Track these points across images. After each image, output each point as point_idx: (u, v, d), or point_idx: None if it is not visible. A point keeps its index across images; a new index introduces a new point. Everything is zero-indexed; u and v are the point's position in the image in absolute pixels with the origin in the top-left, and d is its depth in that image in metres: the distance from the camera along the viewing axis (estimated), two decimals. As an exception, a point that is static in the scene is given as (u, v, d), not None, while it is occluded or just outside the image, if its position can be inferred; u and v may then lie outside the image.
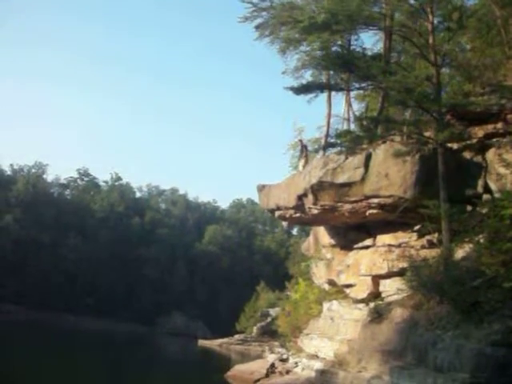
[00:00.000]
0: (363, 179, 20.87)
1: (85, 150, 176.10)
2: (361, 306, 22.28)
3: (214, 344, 63.63)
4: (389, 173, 20.18)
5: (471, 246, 17.37)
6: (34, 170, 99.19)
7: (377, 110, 24.62)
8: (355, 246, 24.14)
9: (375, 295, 22.15)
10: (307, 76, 27.65)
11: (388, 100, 23.18)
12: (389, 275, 21.29)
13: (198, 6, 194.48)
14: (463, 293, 15.03)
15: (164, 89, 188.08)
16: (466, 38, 23.77)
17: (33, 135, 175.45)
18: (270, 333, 52.85)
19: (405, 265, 18.98)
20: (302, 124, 65.26)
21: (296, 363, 26.23)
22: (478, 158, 20.21)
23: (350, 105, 28.58)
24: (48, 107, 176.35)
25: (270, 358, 31.09)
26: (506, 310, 14.05)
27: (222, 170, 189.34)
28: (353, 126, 27.06)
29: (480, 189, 19.62)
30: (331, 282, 26.42)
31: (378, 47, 26.01)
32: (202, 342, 66.15)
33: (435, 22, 20.26)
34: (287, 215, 26.50)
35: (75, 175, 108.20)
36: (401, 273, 19.58)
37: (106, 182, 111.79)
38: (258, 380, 26.05)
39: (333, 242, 26.58)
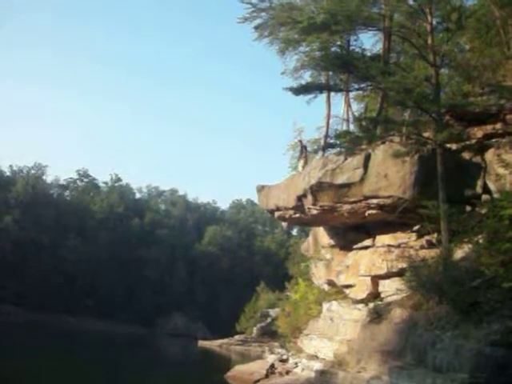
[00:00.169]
0: (362, 180, 20.88)
1: (84, 151, 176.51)
2: (360, 306, 22.28)
3: (214, 345, 63.65)
4: (388, 173, 20.20)
5: (470, 246, 17.38)
6: (33, 171, 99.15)
7: (376, 110, 24.64)
8: (354, 247, 24.14)
9: (374, 295, 22.16)
10: (306, 77, 27.74)
11: (387, 100, 23.21)
12: (388, 275, 21.30)
13: (197, 6, 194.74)
14: (462, 293, 15.04)
15: (164, 89, 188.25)
16: (465, 38, 23.81)
17: (32, 136, 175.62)
18: (270, 333, 52.89)
19: (404, 265, 18.98)
20: (302, 125, 65.15)
21: (296, 364, 26.23)
22: (477, 159, 20.23)
23: (349, 105, 28.60)
24: (47, 108, 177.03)
25: (270, 358, 31.10)
26: (505, 310, 14.05)
27: (222, 171, 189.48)
28: (352, 127, 27.10)
29: (479, 189, 19.63)
30: (331, 283, 26.43)
31: (378, 48, 26.03)
32: (202, 343, 66.17)
33: (434, 22, 20.29)
34: (287, 216, 26.52)
35: (75, 176, 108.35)
36: (400, 273, 19.58)
37: (105, 183, 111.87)
38: (258, 380, 26.06)
39: (332, 242, 26.60)
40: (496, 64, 21.36)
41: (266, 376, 26.48)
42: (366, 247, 23.31)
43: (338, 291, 25.96)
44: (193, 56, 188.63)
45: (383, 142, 21.31)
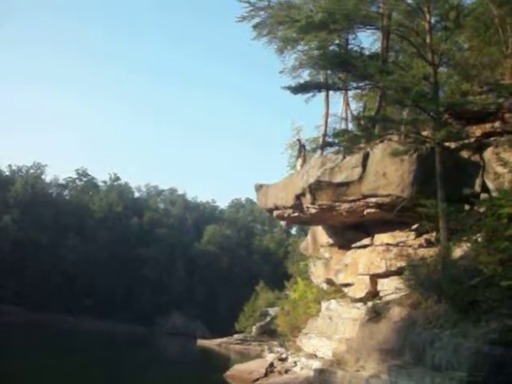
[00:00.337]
0: (361, 178, 20.89)
1: (83, 151, 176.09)
2: (359, 305, 22.31)
3: (213, 344, 63.66)
4: (386, 172, 20.20)
5: (469, 244, 17.39)
6: (32, 171, 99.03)
7: (374, 109, 24.64)
8: (353, 246, 24.17)
9: (373, 294, 22.17)
10: (305, 75, 27.74)
11: (385, 99, 23.22)
12: (387, 274, 21.32)
13: (196, 6, 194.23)
14: (461, 292, 15.04)
15: (163, 89, 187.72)
16: (464, 37, 23.80)
17: (31, 136, 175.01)
18: (269, 332, 52.87)
19: (403, 264, 19.00)
20: (300, 123, 65.23)
21: (295, 362, 26.24)
22: (476, 157, 20.20)
23: (347, 104, 28.59)
24: (47, 108, 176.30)
25: (269, 357, 31.09)
26: (503, 308, 14.05)
27: (221, 170, 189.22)
28: (350, 126, 27.10)
29: (478, 188, 19.62)
30: (329, 282, 26.46)
31: (376, 47, 26.05)
32: (201, 342, 66.18)
33: (432, 21, 20.25)
34: (285, 215, 26.52)
35: (74, 175, 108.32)
36: (399, 272, 19.60)
37: (104, 182, 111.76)
38: (257, 379, 26.05)
39: (331, 241, 26.61)
40: (494, 62, 21.38)
41: (266, 375, 26.47)
42: (365, 246, 23.33)
43: (336, 290, 25.98)
44: (191, 56, 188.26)
45: (382, 141, 21.31)
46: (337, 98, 29.82)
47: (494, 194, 18.11)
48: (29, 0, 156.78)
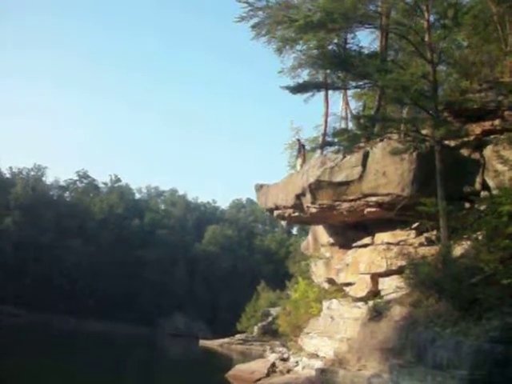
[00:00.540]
0: (361, 178, 20.86)
1: (84, 152, 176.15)
2: (360, 304, 22.26)
3: (215, 344, 63.66)
4: (386, 171, 20.18)
5: (469, 243, 17.38)
6: (33, 173, 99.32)
7: (374, 108, 24.62)
8: (354, 245, 24.13)
9: (374, 293, 22.14)
10: (304, 75, 27.70)
11: (385, 98, 23.20)
12: (387, 273, 21.28)
13: (196, 4, 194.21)
14: (462, 290, 15.02)
15: (163, 89, 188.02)
16: (463, 34, 23.75)
17: (32, 136, 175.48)
18: (270, 332, 52.84)
19: (403, 263, 18.95)
20: (300, 123, 65.51)
21: (296, 362, 26.20)
22: (476, 155, 20.19)
23: (347, 103, 28.58)
24: (48, 108, 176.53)
25: (271, 357, 31.00)
26: (504, 306, 14.04)
27: (222, 171, 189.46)
28: (350, 125, 27.08)
29: (478, 186, 19.60)
30: (330, 281, 26.43)
31: (375, 45, 26.04)
32: (203, 343, 66.21)
33: (431, 19, 20.25)
34: (286, 214, 26.50)
35: (74, 177, 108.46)
36: (399, 271, 19.56)
37: (105, 183, 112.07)
38: (259, 379, 26.00)
39: (331, 240, 26.60)
40: (494, 60, 21.34)
41: (267, 375, 26.41)
42: (366, 245, 23.30)
43: (337, 289, 25.95)
44: (192, 54, 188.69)
45: (381, 140, 21.30)
46: (336, 97, 29.86)
47: (495, 192, 18.07)
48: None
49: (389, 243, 21.65)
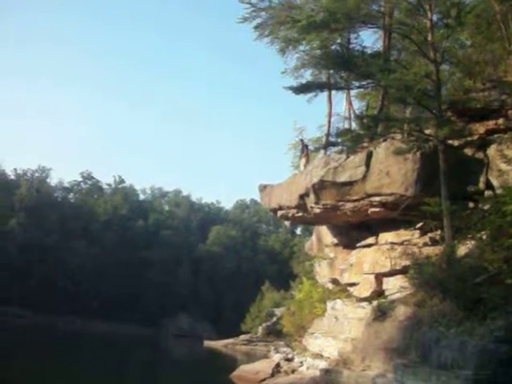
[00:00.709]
0: (364, 177, 20.85)
1: (86, 151, 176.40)
2: (364, 304, 22.23)
3: (219, 345, 63.68)
4: (390, 171, 20.16)
5: (474, 242, 17.36)
6: (37, 174, 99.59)
7: (377, 108, 24.60)
8: (358, 245, 24.10)
9: (378, 293, 22.12)
10: (307, 75, 27.71)
11: (388, 98, 23.18)
12: (392, 273, 21.25)
13: (200, 4, 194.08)
14: (466, 290, 15.00)
15: (166, 87, 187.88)
16: (466, 33, 23.69)
17: (34, 136, 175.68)
18: (275, 332, 52.86)
19: (407, 262, 18.92)
20: (304, 123, 65.51)
21: (301, 362, 26.20)
22: (480, 155, 20.15)
23: (350, 103, 28.62)
24: (48, 108, 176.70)
25: (276, 357, 31.00)
26: (509, 306, 14.01)
27: (226, 171, 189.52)
28: (354, 125, 27.10)
29: (482, 185, 19.56)
30: (334, 281, 26.42)
31: (378, 45, 26.01)
32: (207, 343, 66.25)
33: (434, 18, 20.20)
34: (289, 215, 26.48)
35: (79, 179, 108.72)
36: (404, 271, 19.54)
37: (109, 184, 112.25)
38: (264, 380, 26.02)
39: (335, 240, 26.58)
40: (497, 59, 21.25)
41: (272, 375, 26.43)
42: (370, 245, 23.26)
43: (341, 289, 25.94)
44: (195, 54, 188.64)
45: (385, 140, 21.28)
46: (339, 97, 29.90)
47: (499, 191, 18.04)
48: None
49: (393, 243, 21.61)
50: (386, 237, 22.25)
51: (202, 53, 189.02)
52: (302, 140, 31.31)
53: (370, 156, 21.00)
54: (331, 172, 21.91)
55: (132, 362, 40.09)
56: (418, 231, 20.90)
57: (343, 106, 29.35)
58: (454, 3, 20.16)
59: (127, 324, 78.35)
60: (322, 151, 27.12)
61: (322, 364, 22.77)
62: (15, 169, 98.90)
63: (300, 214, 25.31)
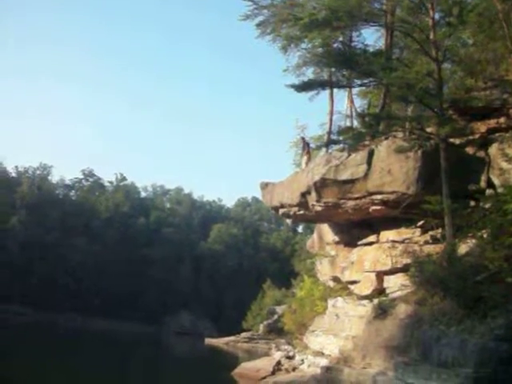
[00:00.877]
0: (366, 176, 20.89)
1: (88, 149, 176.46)
2: (365, 302, 22.29)
3: (220, 342, 63.69)
4: (391, 169, 20.20)
5: (474, 241, 17.38)
6: (38, 172, 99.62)
7: (379, 106, 24.60)
8: (359, 243, 24.14)
9: (379, 291, 22.17)
10: (309, 73, 27.75)
11: (390, 96, 23.19)
12: (392, 271, 21.30)
13: (201, 3, 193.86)
14: (467, 288, 15.02)
15: (166, 86, 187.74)
16: (468, 32, 23.68)
17: (36, 134, 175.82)
18: (276, 330, 52.82)
19: (408, 261, 18.95)
20: (305, 121, 65.43)
21: (302, 360, 26.28)
22: (481, 153, 20.17)
23: (352, 101, 28.63)
24: (48, 107, 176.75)
25: (277, 355, 31.08)
26: (509, 304, 14.05)
27: (227, 169, 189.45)
28: (355, 123, 27.11)
29: (483, 184, 19.58)
30: (336, 279, 26.47)
31: (380, 43, 26.06)
32: (208, 341, 66.24)
33: (436, 17, 20.22)
34: (291, 212, 26.53)
35: (80, 176, 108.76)
36: (405, 269, 19.57)
37: (110, 182, 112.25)
38: (264, 377, 26.08)
39: (337, 238, 26.63)
40: (499, 58, 21.22)
41: (273, 373, 26.51)
42: (371, 243, 23.29)
43: (342, 287, 25.99)
44: (196, 52, 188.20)
45: (386, 138, 21.31)
46: (341, 95, 29.94)
47: (500, 190, 18.07)
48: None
49: (394, 241, 21.63)
50: (387, 235, 22.29)
51: (203, 51, 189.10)
52: (303, 138, 31.39)
53: (371, 154, 21.04)
54: (333, 170, 21.95)
55: (133, 360, 40.19)
56: (419, 229, 20.93)
57: (345, 104, 29.42)
58: (455, 2, 20.19)
59: (128, 321, 78.40)
60: (324, 149, 27.15)
61: (323, 362, 22.83)
62: (16, 166, 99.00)
63: (301, 212, 25.35)
